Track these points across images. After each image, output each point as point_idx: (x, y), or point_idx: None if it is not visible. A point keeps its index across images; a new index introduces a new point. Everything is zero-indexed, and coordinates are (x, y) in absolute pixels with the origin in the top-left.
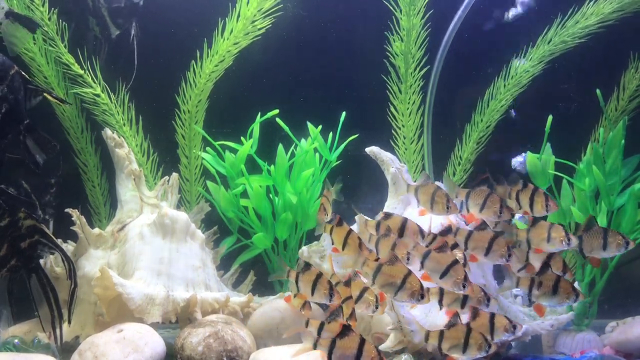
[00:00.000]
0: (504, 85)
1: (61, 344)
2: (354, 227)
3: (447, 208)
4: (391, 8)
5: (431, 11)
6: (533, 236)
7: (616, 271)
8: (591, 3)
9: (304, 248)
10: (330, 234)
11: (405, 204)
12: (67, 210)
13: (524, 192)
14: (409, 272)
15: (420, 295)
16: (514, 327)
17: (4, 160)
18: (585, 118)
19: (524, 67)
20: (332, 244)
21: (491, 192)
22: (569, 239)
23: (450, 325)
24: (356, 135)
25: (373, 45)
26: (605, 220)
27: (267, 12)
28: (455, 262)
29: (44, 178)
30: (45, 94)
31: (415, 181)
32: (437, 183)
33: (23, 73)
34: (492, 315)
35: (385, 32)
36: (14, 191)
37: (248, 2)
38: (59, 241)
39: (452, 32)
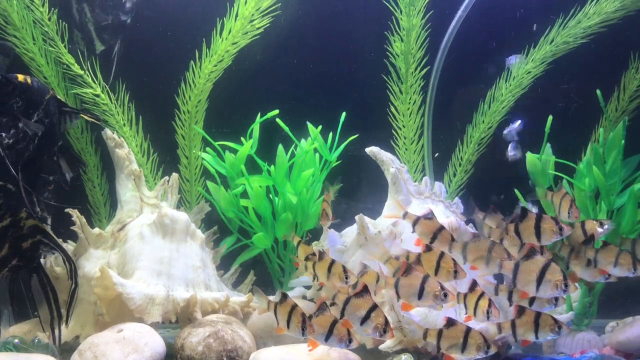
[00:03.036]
0: (505, 87)
1: (60, 344)
2: (354, 228)
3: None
4: (391, 8)
5: (432, 11)
6: (601, 257)
7: None
8: (593, 2)
9: None
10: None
11: (405, 205)
12: (67, 210)
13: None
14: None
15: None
16: (559, 327)
17: (38, 182)
18: (586, 118)
19: (526, 68)
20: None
21: (540, 215)
22: (635, 268)
23: (449, 324)
24: (356, 136)
25: (373, 45)
26: None
27: (265, 12)
28: (426, 278)
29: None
30: (82, 115)
31: (415, 181)
32: (437, 183)
33: (59, 97)
34: (538, 314)
35: (386, 32)
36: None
37: (246, 2)
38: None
39: (452, 32)
